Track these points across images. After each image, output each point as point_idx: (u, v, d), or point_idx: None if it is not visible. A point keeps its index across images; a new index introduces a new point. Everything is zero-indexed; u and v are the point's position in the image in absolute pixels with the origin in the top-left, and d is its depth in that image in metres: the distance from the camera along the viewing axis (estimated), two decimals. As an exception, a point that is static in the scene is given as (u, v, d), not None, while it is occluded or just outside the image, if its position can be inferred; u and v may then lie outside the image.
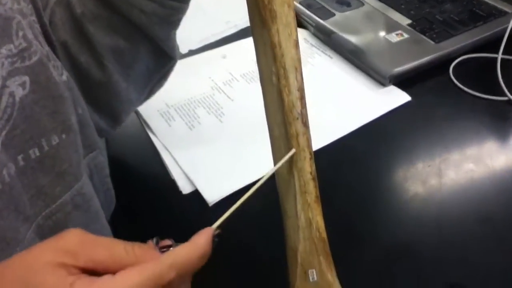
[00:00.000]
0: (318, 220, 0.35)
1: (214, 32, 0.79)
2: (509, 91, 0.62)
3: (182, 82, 0.68)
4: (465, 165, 0.54)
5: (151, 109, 0.64)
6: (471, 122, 0.60)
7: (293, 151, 0.33)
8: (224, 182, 0.53)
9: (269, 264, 0.46)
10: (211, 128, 0.61)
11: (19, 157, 0.30)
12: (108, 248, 0.24)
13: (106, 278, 0.23)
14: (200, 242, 0.26)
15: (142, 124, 0.62)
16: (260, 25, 0.32)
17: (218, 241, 0.28)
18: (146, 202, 0.54)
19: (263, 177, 0.31)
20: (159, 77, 0.51)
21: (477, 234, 0.48)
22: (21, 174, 0.30)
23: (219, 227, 0.28)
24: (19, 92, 0.30)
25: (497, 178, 0.53)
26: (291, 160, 0.34)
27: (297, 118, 0.33)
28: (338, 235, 0.47)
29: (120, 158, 0.59)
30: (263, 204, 0.51)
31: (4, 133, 0.29)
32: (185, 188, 0.54)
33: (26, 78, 0.31)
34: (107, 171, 0.44)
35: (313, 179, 0.34)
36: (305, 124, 0.34)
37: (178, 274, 0.24)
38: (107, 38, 0.43)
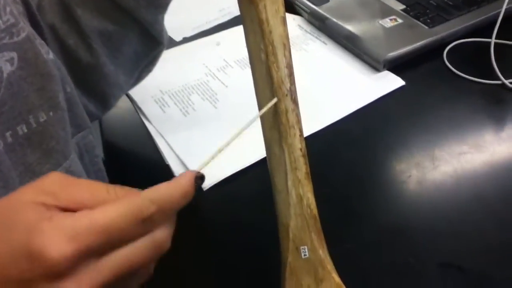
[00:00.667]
0: (309, 196, 0.35)
1: (208, 19, 0.79)
2: (502, 75, 0.62)
3: (176, 69, 0.68)
4: (459, 148, 0.55)
5: (145, 96, 0.63)
6: (465, 105, 0.61)
7: (275, 100, 0.33)
8: (218, 167, 0.53)
9: (265, 241, 0.47)
10: (205, 114, 0.61)
11: (7, 134, 0.31)
12: (89, 188, 0.24)
13: (85, 211, 0.23)
14: (182, 180, 0.26)
15: (137, 110, 0.62)
16: (247, 2, 0.32)
17: (200, 183, 0.28)
18: (141, 186, 0.53)
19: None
20: (147, 62, 0.51)
21: (471, 213, 0.48)
22: (10, 151, 0.31)
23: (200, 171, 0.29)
24: (7, 68, 0.30)
25: (490, 159, 0.53)
26: (280, 135, 0.34)
27: (286, 95, 0.33)
28: (335, 214, 0.47)
29: (115, 144, 0.59)
30: (256, 181, 0.52)
31: None
32: (179, 173, 0.54)
33: (14, 54, 0.31)
34: (97, 151, 0.44)
35: (303, 155, 0.35)
36: (294, 101, 0.34)
37: (159, 209, 0.24)
38: (94, 21, 0.43)
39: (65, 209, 0.23)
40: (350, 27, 0.69)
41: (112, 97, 0.51)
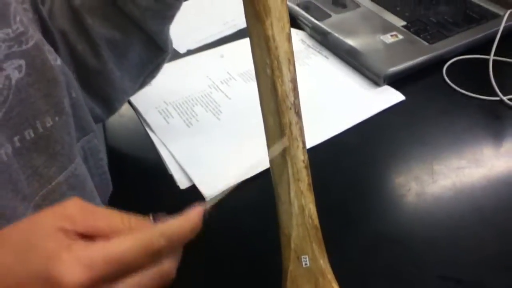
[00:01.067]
0: (311, 207, 0.36)
1: (212, 32, 0.80)
2: (500, 91, 0.63)
3: (180, 81, 0.69)
4: (457, 162, 0.55)
5: (149, 107, 0.65)
6: (463, 121, 0.62)
7: (285, 142, 0.34)
8: (221, 177, 0.54)
9: (266, 249, 0.47)
10: (208, 125, 0.62)
11: (15, 138, 0.32)
12: (106, 216, 0.25)
13: (101, 242, 0.24)
14: (191, 216, 0.27)
15: (141, 120, 0.63)
16: (254, 19, 0.33)
17: (209, 217, 0.29)
18: (144, 196, 0.54)
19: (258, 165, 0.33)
20: (151, 68, 0.52)
21: (470, 226, 0.49)
22: (17, 155, 0.31)
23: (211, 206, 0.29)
24: (15, 75, 0.31)
25: (488, 174, 0.54)
26: (284, 148, 0.35)
27: (290, 108, 0.34)
28: (335, 223, 0.48)
29: (119, 154, 0.60)
30: (259, 190, 0.52)
31: (0, 114, 0.30)
32: (182, 183, 0.55)
33: (22, 62, 0.32)
34: (102, 155, 0.45)
35: (306, 167, 0.36)
36: (298, 114, 0.35)
37: (168, 242, 0.25)
38: (103, 29, 0.44)
39: (82, 234, 0.24)
40: (352, 42, 0.71)
41: (117, 101, 0.52)
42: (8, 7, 0.32)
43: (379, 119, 0.62)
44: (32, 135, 0.33)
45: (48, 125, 0.34)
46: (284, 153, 0.35)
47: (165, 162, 0.57)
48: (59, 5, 0.44)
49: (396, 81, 0.67)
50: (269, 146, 0.36)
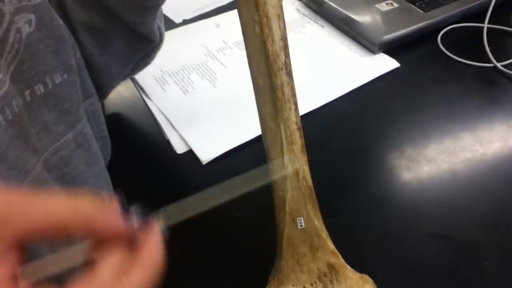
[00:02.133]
0: (305, 169, 0.36)
1: (207, 2, 0.80)
2: (494, 58, 0.63)
3: (176, 50, 0.69)
4: (451, 126, 0.56)
5: (146, 75, 0.65)
6: (457, 87, 0.62)
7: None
8: (217, 142, 0.55)
9: (260, 213, 0.48)
10: (204, 93, 0.63)
11: (26, 92, 0.32)
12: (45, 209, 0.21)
13: None
14: (150, 261, 0.23)
15: (137, 89, 0.64)
16: None
17: (168, 236, 0.25)
18: (142, 160, 0.55)
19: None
20: (141, 56, 0.51)
21: (459, 185, 0.50)
22: (28, 109, 0.32)
23: (168, 228, 0.26)
24: (26, 29, 0.31)
25: (480, 138, 0.55)
26: (276, 110, 0.33)
27: (282, 68, 0.33)
28: (329, 187, 0.49)
29: (116, 121, 0.61)
30: (256, 157, 0.53)
31: (12, 67, 0.31)
32: (179, 148, 0.55)
33: (32, 16, 0.32)
34: (102, 118, 0.45)
35: (299, 129, 0.35)
36: (289, 74, 0.33)
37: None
38: (83, 14, 0.43)
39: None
40: (347, 10, 0.71)
41: (106, 86, 0.50)
42: None
43: (374, 86, 0.63)
44: (42, 90, 0.33)
45: (57, 81, 0.34)
46: (277, 116, 0.34)
47: (162, 128, 0.58)
48: None
49: (391, 49, 0.67)
50: (259, 109, 0.35)
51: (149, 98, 0.62)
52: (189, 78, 0.65)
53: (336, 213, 0.45)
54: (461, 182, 0.51)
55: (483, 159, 0.53)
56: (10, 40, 0.30)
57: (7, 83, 0.30)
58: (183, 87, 0.63)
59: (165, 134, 0.57)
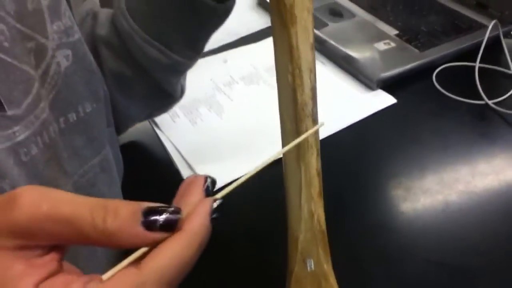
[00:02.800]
0: (320, 213, 0.37)
1: (216, 39, 0.84)
2: (486, 95, 0.67)
3: (186, 83, 0.73)
4: (445, 159, 0.60)
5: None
6: (451, 123, 0.66)
7: (320, 124, 0.35)
8: (223, 171, 0.58)
9: (270, 244, 0.51)
10: (212, 124, 0.66)
11: (61, 119, 0.35)
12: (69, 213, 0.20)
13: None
14: (194, 228, 0.22)
15: (149, 120, 0.67)
16: (280, 27, 0.33)
17: (219, 216, 0.24)
18: (152, 187, 0.58)
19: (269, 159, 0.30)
20: (159, 106, 0.54)
21: (452, 214, 0.53)
22: (62, 135, 0.35)
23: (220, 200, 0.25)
24: (64, 63, 0.35)
25: (473, 170, 0.58)
26: (299, 153, 0.35)
27: (308, 116, 0.35)
28: (330, 213, 0.51)
29: (129, 150, 0.64)
30: (263, 187, 0.56)
31: (51, 96, 0.34)
32: (187, 175, 0.59)
33: (69, 52, 0.36)
34: (118, 145, 0.48)
35: (318, 174, 0.36)
36: (315, 123, 0.35)
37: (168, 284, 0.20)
38: (115, 64, 0.47)
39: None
40: (347, 49, 0.75)
41: (122, 125, 0.54)
42: (60, 3, 0.36)
43: (373, 120, 0.66)
44: (75, 117, 0.37)
45: (88, 110, 0.38)
46: (299, 158, 0.36)
47: (171, 156, 0.61)
48: (86, 27, 0.47)
49: (388, 86, 0.71)
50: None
51: (159, 129, 0.66)
52: (197, 110, 0.68)
53: (335, 238, 0.48)
54: (454, 212, 0.53)
55: (475, 191, 0.56)
56: (51, 72, 0.34)
57: (47, 110, 0.33)
58: (192, 119, 0.67)
59: (174, 162, 0.60)
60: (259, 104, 0.69)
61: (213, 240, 0.25)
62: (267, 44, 0.84)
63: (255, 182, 0.58)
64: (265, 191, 0.56)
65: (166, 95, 0.52)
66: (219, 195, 0.25)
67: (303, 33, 0.33)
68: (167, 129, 0.65)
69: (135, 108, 0.52)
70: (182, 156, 0.61)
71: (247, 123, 0.66)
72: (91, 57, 0.39)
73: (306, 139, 0.35)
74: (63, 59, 0.35)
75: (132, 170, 0.61)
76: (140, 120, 0.57)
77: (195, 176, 0.25)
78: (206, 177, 0.25)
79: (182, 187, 0.24)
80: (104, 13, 0.48)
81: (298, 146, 0.35)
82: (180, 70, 0.49)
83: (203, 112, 0.68)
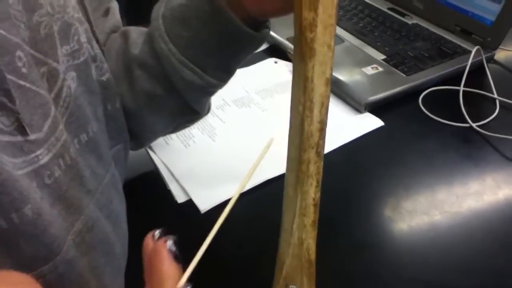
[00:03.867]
0: (310, 242, 0.37)
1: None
2: (470, 118, 0.69)
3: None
4: (430, 180, 0.61)
5: (150, 129, 0.70)
6: (437, 144, 0.68)
7: (271, 139, 0.36)
8: (215, 192, 0.59)
9: (258, 263, 0.52)
10: (204, 147, 0.68)
11: (75, 141, 0.36)
12: None
13: None
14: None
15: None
16: (299, 59, 0.34)
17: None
18: (145, 208, 0.59)
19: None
20: (184, 122, 0.56)
21: (437, 233, 0.54)
22: (78, 155, 0.36)
23: (189, 278, 0.27)
24: (72, 85, 0.36)
25: (457, 190, 0.60)
26: (297, 181, 0.36)
27: (312, 147, 0.35)
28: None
29: (122, 171, 0.66)
30: (254, 206, 0.57)
31: (64, 119, 0.35)
32: (180, 197, 0.60)
33: (74, 74, 0.37)
34: (124, 162, 0.49)
35: (315, 205, 0.37)
36: (319, 154, 0.36)
37: None
38: (148, 83, 0.48)
39: None
40: (336, 73, 0.78)
41: (147, 139, 0.56)
42: (70, 28, 0.37)
43: (361, 142, 0.68)
44: (86, 138, 0.38)
45: (94, 129, 0.39)
46: (296, 186, 0.36)
47: (164, 178, 0.62)
48: (117, 46, 0.49)
49: (376, 109, 0.73)
50: (286, 175, 0.38)
51: (153, 151, 0.67)
52: (190, 133, 0.70)
53: (322, 256, 0.49)
54: (440, 232, 0.55)
55: (460, 211, 0.57)
56: (63, 95, 0.35)
57: (65, 132, 0.34)
58: (185, 141, 0.69)
59: (167, 184, 0.62)
60: (251, 127, 0.71)
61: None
62: (259, 67, 0.86)
63: (242, 199, 0.59)
64: (252, 206, 0.58)
65: (194, 112, 0.53)
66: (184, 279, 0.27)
67: (320, 67, 0.33)
68: (160, 151, 0.67)
69: (161, 123, 0.53)
70: (175, 178, 0.62)
71: (239, 145, 0.67)
72: (93, 77, 0.41)
73: (307, 168, 0.35)
74: (71, 81, 0.36)
75: (126, 191, 0.62)
76: (164, 134, 0.58)
77: (155, 240, 0.28)
78: (166, 240, 0.27)
79: (146, 256, 0.27)
80: (136, 32, 0.49)
81: (297, 173, 0.36)
82: (212, 91, 0.51)
83: (196, 135, 0.70)
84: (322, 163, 0.36)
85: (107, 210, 0.39)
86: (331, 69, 0.34)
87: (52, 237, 0.32)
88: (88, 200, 0.37)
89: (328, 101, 0.35)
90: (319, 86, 0.34)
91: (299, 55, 0.34)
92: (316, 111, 0.34)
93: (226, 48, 0.46)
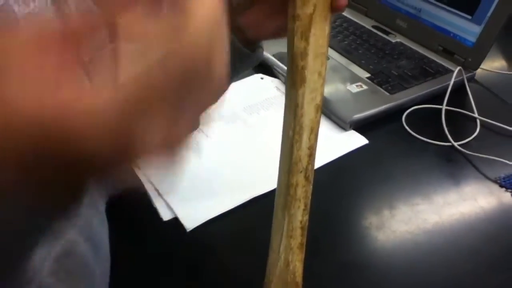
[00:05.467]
0: (297, 264, 0.38)
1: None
2: (452, 137, 0.71)
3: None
4: (413, 199, 0.62)
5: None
6: (420, 163, 0.69)
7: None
8: (201, 210, 0.59)
9: (245, 281, 0.52)
10: (190, 163, 0.68)
11: None
12: None
13: None
14: None
15: (128, 158, 0.68)
16: (290, 85, 0.35)
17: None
18: (130, 225, 0.59)
19: None
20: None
21: (419, 253, 0.55)
22: None
23: None
24: None
25: (440, 210, 0.61)
26: (286, 204, 0.36)
27: (301, 172, 0.36)
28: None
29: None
30: (240, 225, 0.58)
31: None
32: (166, 215, 0.60)
33: None
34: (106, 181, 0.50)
35: (302, 228, 0.37)
36: (307, 179, 0.37)
37: None
38: None
39: None
40: (322, 90, 0.78)
41: None
42: None
43: (345, 160, 0.69)
44: None
45: None
46: (284, 209, 0.37)
47: (150, 196, 0.62)
48: None
49: (360, 127, 0.74)
50: (275, 198, 0.38)
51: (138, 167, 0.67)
52: (176, 149, 0.70)
53: (307, 276, 0.50)
54: (422, 250, 0.56)
55: (442, 229, 0.58)
56: None
57: None
58: (171, 157, 0.69)
59: (153, 202, 0.61)
60: (237, 143, 0.72)
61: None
62: (245, 83, 0.87)
63: (228, 218, 0.59)
64: (237, 224, 0.58)
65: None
66: None
67: (310, 94, 0.34)
68: (146, 169, 0.66)
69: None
70: (161, 196, 0.62)
71: (225, 161, 0.67)
72: None
73: (294, 192, 0.36)
74: None
75: (108, 210, 0.61)
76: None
77: None
78: None
79: None
80: None
81: (286, 197, 0.36)
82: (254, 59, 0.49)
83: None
84: (310, 187, 0.37)
85: (86, 233, 0.39)
86: (322, 95, 0.35)
87: (28, 264, 0.31)
88: (66, 224, 0.36)
89: (318, 127, 0.36)
90: (309, 113, 0.35)
91: (290, 82, 0.35)
92: (305, 137, 0.35)
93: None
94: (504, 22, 0.78)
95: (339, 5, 0.34)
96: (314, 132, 0.36)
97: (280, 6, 0.36)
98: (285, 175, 0.36)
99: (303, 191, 0.36)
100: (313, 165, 0.37)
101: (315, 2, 0.33)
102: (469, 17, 0.83)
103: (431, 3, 0.88)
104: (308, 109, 0.35)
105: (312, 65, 0.34)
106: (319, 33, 0.34)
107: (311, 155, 0.36)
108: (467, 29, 0.83)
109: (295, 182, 0.36)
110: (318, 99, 0.35)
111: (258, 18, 0.43)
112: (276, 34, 0.43)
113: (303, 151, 0.35)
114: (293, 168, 0.36)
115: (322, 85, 0.35)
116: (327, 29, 0.34)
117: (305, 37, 0.34)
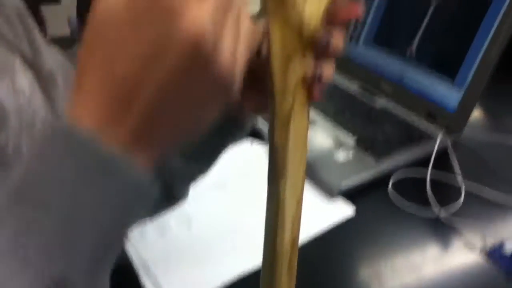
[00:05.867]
0: None
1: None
2: (438, 202, 0.71)
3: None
4: (401, 270, 0.63)
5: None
6: (407, 233, 0.70)
7: None
8: (192, 286, 0.60)
9: None
10: (180, 236, 0.69)
11: None
12: None
13: None
14: None
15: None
16: (271, 178, 0.36)
17: None
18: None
19: None
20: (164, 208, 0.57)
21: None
22: None
23: None
24: None
25: (425, 278, 0.61)
26: (272, 271, 0.37)
27: (283, 263, 0.36)
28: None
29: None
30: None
31: None
32: (151, 289, 0.60)
33: None
34: None
35: None
36: (290, 271, 0.37)
37: None
38: None
39: None
40: (308, 159, 0.79)
41: None
42: None
43: (332, 233, 0.69)
44: None
45: None
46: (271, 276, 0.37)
47: (138, 270, 0.62)
48: None
49: (347, 194, 0.75)
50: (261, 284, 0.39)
51: (129, 240, 0.67)
52: (166, 222, 0.71)
53: None
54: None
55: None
56: None
57: None
58: (160, 232, 0.69)
59: (140, 277, 0.62)
60: (227, 212, 0.72)
61: None
62: (235, 150, 0.88)
63: None
64: None
65: (170, 197, 0.54)
66: None
67: (291, 188, 0.35)
68: (135, 241, 0.67)
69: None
70: (151, 271, 0.62)
71: (216, 233, 0.68)
72: None
73: (281, 260, 0.36)
74: None
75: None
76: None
77: None
78: None
79: None
80: None
81: (271, 265, 0.37)
82: (194, 178, 0.53)
83: (172, 224, 0.71)
84: (295, 279, 0.37)
85: None
86: (303, 189, 0.36)
87: None
88: None
89: (300, 220, 0.36)
90: (290, 205, 0.35)
91: (271, 175, 0.36)
92: (287, 229, 0.35)
93: (214, 139, 0.47)
94: (484, 85, 0.80)
95: (316, 97, 0.35)
96: (296, 225, 0.36)
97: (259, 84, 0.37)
98: (268, 269, 0.37)
99: (286, 280, 0.37)
100: (296, 256, 0.37)
101: (294, 96, 0.34)
102: (451, 79, 0.85)
103: (413, 66, 0.92)
104: (289, 203, 0.35)
105: (292, 158, 0.35)
106: (299, 125, 0.35)
107: (294, 246, 0.36)
108: (448, 94, 0.86)
109: (279, 273, 0.37)
110: (298, 193, 0.36)
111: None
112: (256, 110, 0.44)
113: (284, 247, 0.36)
114: (276, 260, 0.36)
115: (303, 179, 0.36)
116: (306, 122, 0.36)
117: (285, 131, 0.35)
